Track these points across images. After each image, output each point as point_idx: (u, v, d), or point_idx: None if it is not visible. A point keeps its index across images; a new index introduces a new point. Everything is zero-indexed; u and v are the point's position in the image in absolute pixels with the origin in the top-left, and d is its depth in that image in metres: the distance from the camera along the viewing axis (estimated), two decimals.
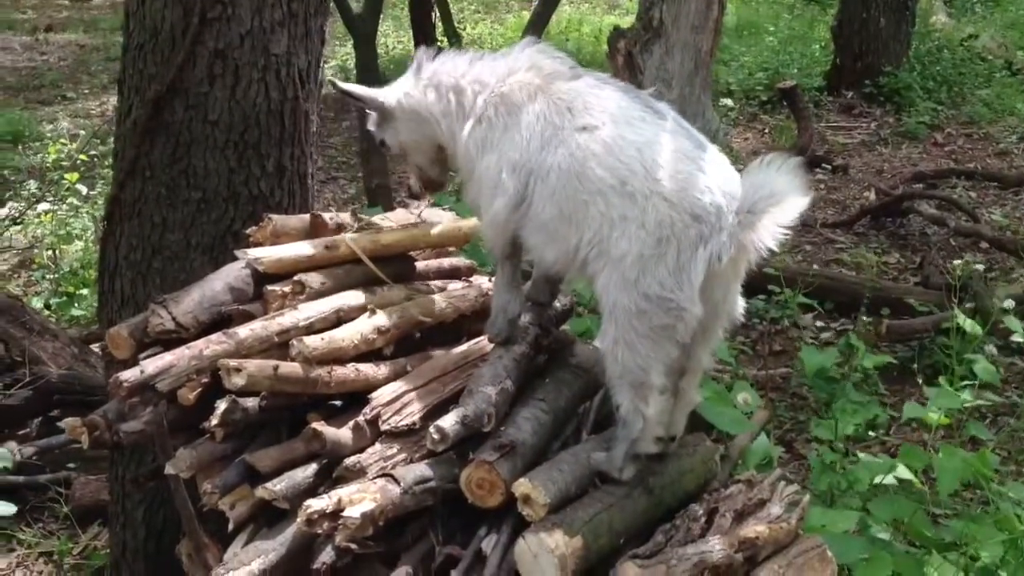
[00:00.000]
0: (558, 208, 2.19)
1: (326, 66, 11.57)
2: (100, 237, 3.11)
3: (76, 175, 7.84)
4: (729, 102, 9.65)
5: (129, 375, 2.23)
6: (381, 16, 8.82)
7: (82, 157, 8.47)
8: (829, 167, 9.26)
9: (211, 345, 2.27)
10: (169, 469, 2.20)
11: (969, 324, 2.86)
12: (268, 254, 2.54)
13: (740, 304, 2.25)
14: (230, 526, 2.21)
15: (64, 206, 7.96)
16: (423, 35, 9.83)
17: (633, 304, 2.08)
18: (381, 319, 2.49)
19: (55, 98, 12.84)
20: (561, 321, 2.76)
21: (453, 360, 2.53)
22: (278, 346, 2.31)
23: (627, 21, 10.86)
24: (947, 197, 7.74)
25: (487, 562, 2.12)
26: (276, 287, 2.46)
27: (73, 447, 5.08)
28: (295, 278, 2.47)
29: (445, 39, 14.61)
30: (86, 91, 13.09)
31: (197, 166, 2.91)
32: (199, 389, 2.29)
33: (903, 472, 2.75)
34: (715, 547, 2.15)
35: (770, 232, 2.06)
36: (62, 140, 9.35)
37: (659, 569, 2.07)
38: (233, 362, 2.15)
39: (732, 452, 2.64)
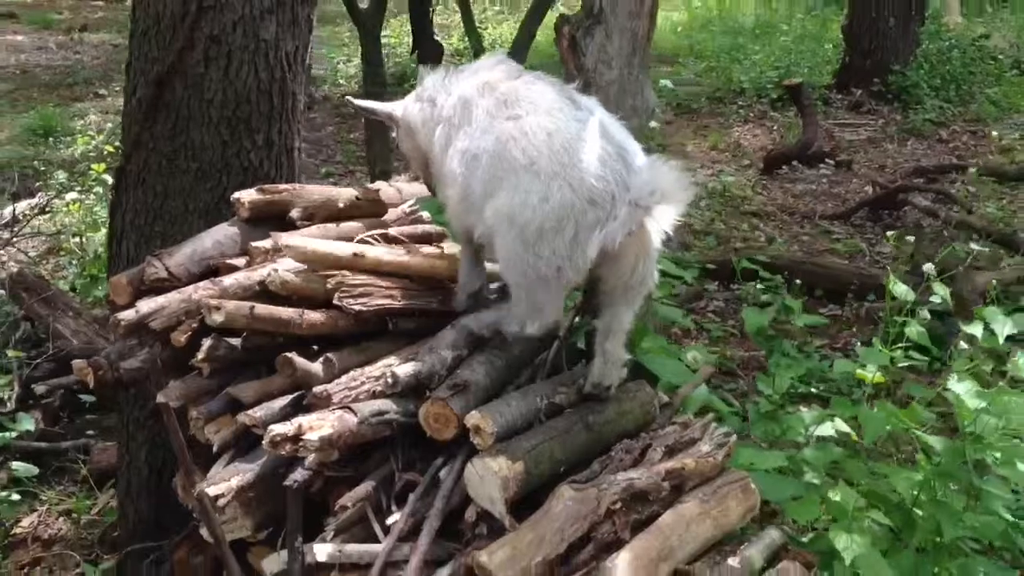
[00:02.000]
0: (484, 187, 2.49)
1: (349, 65, 11.78)
2: (109, 205, 3.40)
3: (102, 166, 8.12)
4: (668, 83, 9.89)
5: (126, 315, 2.51)
6: (386, 13, 9.07)
7: (108, 148, 8.79)
8: (832, 162, 9.48)
9: (199, 290, 2.55)
10: (160, 398, 2.47)
11: (902, 290, 3.09)
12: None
13: (654, 275, 2.52)
14: (215, 448, 2.49)
15: (91, 196, 8.26)
16: (422, 32, 10.11)
17: (529, 260, 2.40)
18: None
19: (87, 95, 13.17)
20: None
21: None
22: (258, 295, 2.57)
23: None
24: (942, 190, 7.91)
25: (442, 485, 2.38)
26: (259, 244, 2.74)
27: (92, 417, 5.41)
28: (275, 236, 2.74)
29: (467, 39, 14.90)
30: (117, 89, 13.38)
31: (194, 140, 3.18)
32: (189, 333, 2.55)
33: (841, 425, 2.98)
34: (643, 475, 2.40)
35: (665, 219, 2.30)
36: (89, 133, 9.68)
37: (591, 492, 2.31)
38: (214, 300, 2.42)
39: (675, 401, 2.87)
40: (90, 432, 5.19)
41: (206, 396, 2.57)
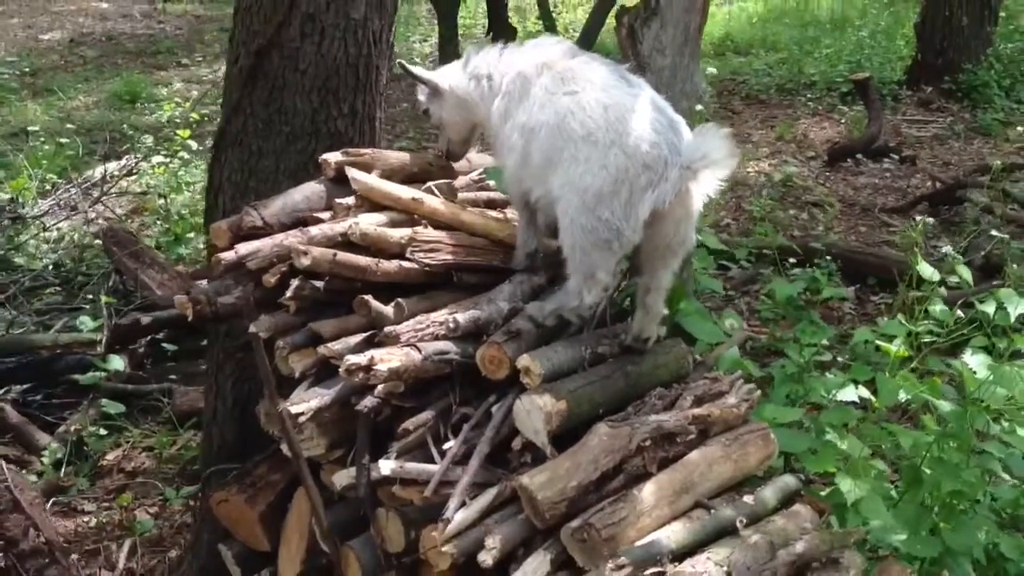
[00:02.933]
0: (544, 156, 2.77)
1: (424, 44, 12.15)
2: (209, 161, 3.78)
3: (187, 132, 8.56)
4: (714, 70, 10.03)
5: (226, 255, 2.86)
6: None
7: (194, 116, 9.24)
8: (897, 157, 9.57)
9: (289, 238, 2.89)
10: (252, 329, 2.80)
11: (928, 271, 3.32)
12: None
13: (692, 237, 2.80)
14: (296, 374, 2.83)
15: (176, 160, 8.71)
16: (497, 15, 10.41)
17: (588, 223, 2.65)
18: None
19: (170, 63, 13.62)
20: None
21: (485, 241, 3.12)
22: (340, 244, 2.88)
23: None
24: (1001, 188, 7.98)
25: (493, 417, 2.68)
26: (343, 201, 3.07)
27: (172, 364, 5.82)
28: (357, 194, 3.08)
29: (541, 22, 15.16)
30: (199, 58, 13.81)
31: (288, 106, 3.50)
32: (279, 275, 2.87)
33: (863, 391, 3.24)
34: (672, 418, 2.68)
35: (710, 183, 2.59)
36: (176, 100, 10.15)
37: (624, 429, 2.60)
38: (302, 247, 2.74)
39: (708, 360, 3.15)
40: (172, 377, 5.60)
41: (291, 330, 2.88)
